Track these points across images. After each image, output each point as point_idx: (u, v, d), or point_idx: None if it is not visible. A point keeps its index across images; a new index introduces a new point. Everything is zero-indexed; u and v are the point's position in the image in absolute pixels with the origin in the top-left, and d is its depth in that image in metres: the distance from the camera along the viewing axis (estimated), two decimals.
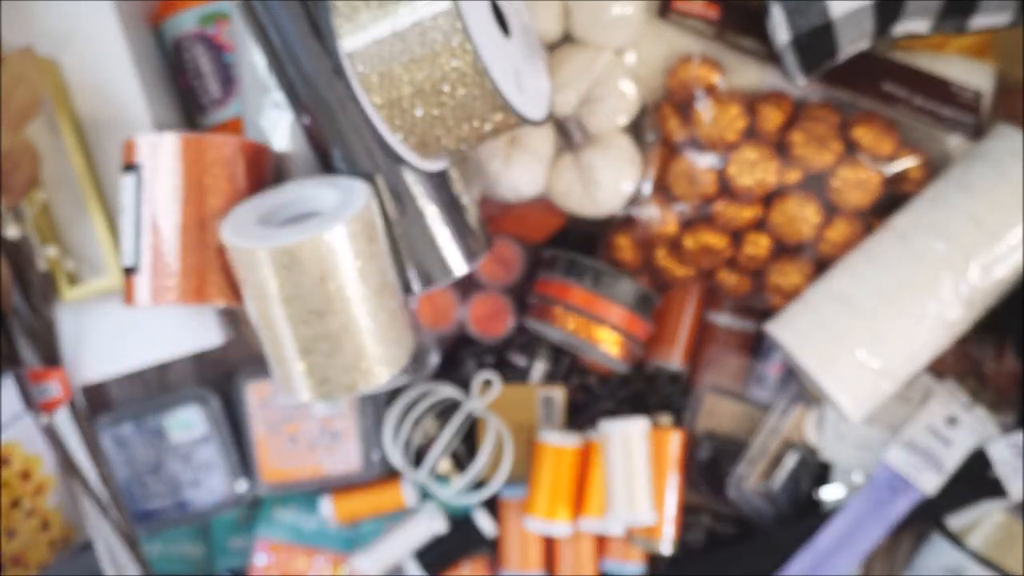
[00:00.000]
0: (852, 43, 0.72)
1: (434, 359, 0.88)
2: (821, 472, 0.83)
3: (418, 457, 0.88)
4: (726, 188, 0.77)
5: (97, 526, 0.82)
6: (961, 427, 0.77)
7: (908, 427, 0.79)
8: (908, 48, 0.80)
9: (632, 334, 0.81)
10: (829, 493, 0.82)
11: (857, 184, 0.75)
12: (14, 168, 0.71)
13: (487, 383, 0.87)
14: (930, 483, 0.77)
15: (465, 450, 0.89)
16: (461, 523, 0.88)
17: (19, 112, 0.71)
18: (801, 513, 0.83)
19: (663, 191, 0.79)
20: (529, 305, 0.84)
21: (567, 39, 0.77)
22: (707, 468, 0.86)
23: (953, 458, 0.77)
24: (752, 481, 0.84)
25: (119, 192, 0.70)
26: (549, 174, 0.77)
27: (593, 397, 0.90)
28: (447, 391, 0.87)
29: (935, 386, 0.79)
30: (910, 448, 0.78)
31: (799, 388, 0.85)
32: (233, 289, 0.69)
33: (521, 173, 0.76)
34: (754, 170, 0.75)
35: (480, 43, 0.59)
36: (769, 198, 0.78)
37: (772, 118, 0.76)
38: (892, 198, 0.79)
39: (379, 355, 0.65)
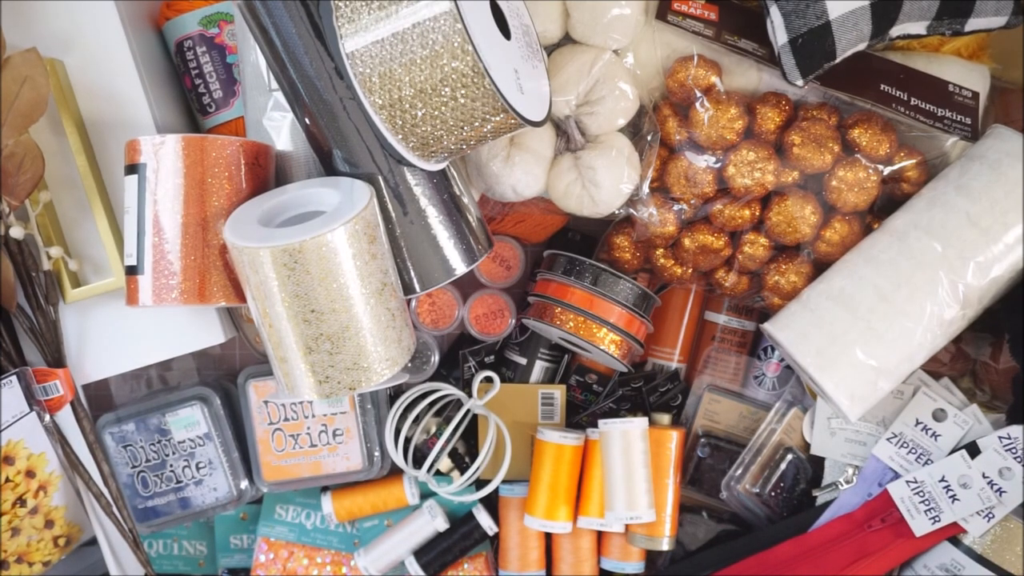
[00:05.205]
0: (850, 45, 0.72)
1: (434, 358, 0.88)
2: (815, 474, 0.83)
3: (419, 455, 0.89)
4: (725, 188, 0.78)
5: (100, 523, 0.82)
6: (949, 421, 0.78)
7: (897, 422, 0.79)
8: (905, 50, 0.81)
9: (631, 333, 0.82)
10: (823, 494, 0.82)
11: (855, 184, 0.76)
12: (18, 168, 0.72)
13: (487, 382, 0.88)
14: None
15: (465, 448, 0.90)
16: (461, 521, 0.89)
17: (23, 113, 0.71)
18: (794, 514, 0.83)
19: (662, 191, 0.79)
20: (529, 305, 0.85)
21: (567, 40, 0.77)
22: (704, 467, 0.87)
23: (941, 451, 0.78)
24: (746, 483, 0.84)
25: (122, 192, 0.70)
26: (549, 175, 0.78)
27: (592, 396, 0.90)
28: (448, 390, 0.87)
29: (924, 381, 0.79)
30: (899, 442, 0.79)
31: (797, 387, 0.85)
32: (235, 289, 0.70)
33: (521, 174, 0.76)
34: (752, 170, 0.76)
35: (480, 44, 0.60)
36: (767, 198, 0.78)
37: (770, 119, 0.77)
38: (890, 198, 0.79)
39: (380, 354, 0.66)
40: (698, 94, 0.76)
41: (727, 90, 0.77)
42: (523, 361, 0.89)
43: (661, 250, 0.82)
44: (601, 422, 0.82)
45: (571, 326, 0.81)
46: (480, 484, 0.87)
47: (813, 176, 0.78)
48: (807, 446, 0.83)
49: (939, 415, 0.79)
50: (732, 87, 0.78)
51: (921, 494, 0.77)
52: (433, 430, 0.88)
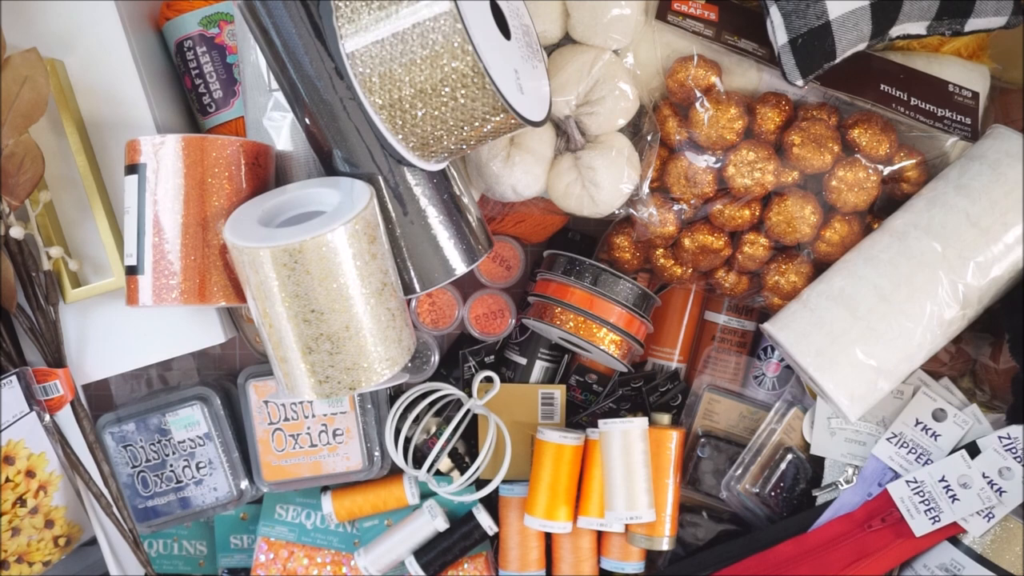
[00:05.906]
0: (850, 45, 0.72)
1: (434, 358, 0.88)
2: (815, 474, 0.83)
3: (419, 455, 0.89)
4: (725, 188, 0.78)
5: (100, 523, 0.82)
6: (948, 421, 0.78)
7: (897, 422, 0.79)
8: (905, 50, 0.81)
9: (631, 333, 0.82)
10: (823, 494, 0.82)
11: (855, 184, 0.76)
12: (18, 168, 0.72)
13: (487, 382, 0.88)
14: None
15: (466, 448, 0.90)
16: (461, 521, 0.89)
17: (23, 113, 0.71)
18: (794, 514, 0.83)
19: (662, 191, 0.79)
20: (529, 305, 0.85)
21: (567, 40, 0.77)
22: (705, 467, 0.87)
23: (941, 451, 0.78)
24: (746, 483, 0.84)
25: (122, 192, 0.70)
26: (549, 175, 0.78)
27: (592, 396, 0.90)
28: (448, 390, 0.87)
29: (924, 381, 0.79)
30: (899, 442, 0.79)
31: (797, 387, 0.85)
32: (235, 289, 0.70)
33: (521, 174, 0.76)
34: (752, 170, 0.76)
35: (480, 44, 0.60)
36: (767, 198, 0.78)
37: (770, 119, 0.77)
38: (890, 198, 0.79)
39: (380, 354, 0.66)
40: (698, 94, 0.76)
41: (727, 90, 0.77)
42: (523, 361, 0.89)
43: (661, 250, 0.82)
44: (601, 422, 0.82)
45: (571, 326, 0.81)
46: (480, 484, 0.87)
47: (813, 176, 0.78)
48: (807, 446, 0.83)
49: (939, 415, 0.79)
50: (732, 87, 0.78)
51: (921, 494, 0.77)
52: (433, 430, 0.88)
